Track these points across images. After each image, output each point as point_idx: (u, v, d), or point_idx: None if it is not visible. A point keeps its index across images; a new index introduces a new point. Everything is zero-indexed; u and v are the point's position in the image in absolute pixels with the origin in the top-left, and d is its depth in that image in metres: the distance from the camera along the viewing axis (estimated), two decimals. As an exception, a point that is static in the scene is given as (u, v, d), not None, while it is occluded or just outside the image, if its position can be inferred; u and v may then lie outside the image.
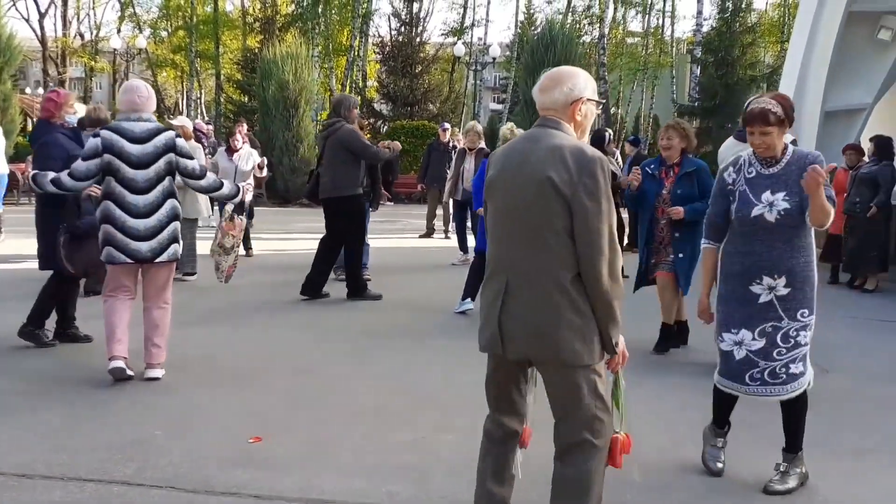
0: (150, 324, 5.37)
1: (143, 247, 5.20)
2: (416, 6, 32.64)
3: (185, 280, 8.93)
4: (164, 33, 43.04)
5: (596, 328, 2.79)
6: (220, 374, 5.52)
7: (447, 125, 15.03)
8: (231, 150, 10.95)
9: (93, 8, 47.56)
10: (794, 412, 3.83)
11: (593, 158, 2.73)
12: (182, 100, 47.29)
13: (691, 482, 3.89)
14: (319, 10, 33.79)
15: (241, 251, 7.31)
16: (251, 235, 11.40)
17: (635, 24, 43.22)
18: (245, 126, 12.66)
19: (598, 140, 10.08)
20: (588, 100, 2.91)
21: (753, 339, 3.74)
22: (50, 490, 3.62)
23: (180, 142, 5.33)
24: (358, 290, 8.23)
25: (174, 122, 9.93)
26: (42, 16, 43.35)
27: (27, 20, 44.00)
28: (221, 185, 5.58)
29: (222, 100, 36.69)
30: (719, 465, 3.95)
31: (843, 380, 5.78)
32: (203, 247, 8.39)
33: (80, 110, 7.73)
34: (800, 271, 3.68)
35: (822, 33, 12.50)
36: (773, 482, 3.76)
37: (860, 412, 5.10)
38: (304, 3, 34.08)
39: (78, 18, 47.19)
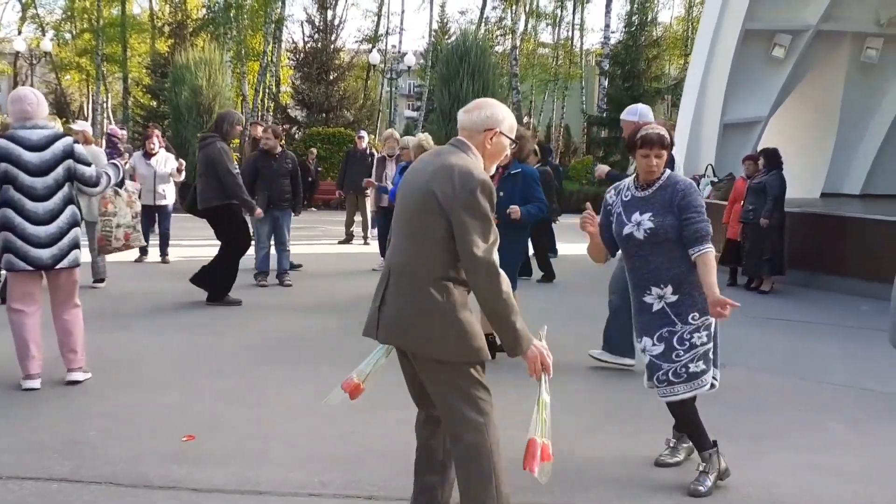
0: (64, 330, 5.36)
1: (44, 254, 5.17)
2: (329, 13, 32.75)
3: (97, 287, 8.91)
4: (67, 35, 41.88)
5: (463, 329, 2.97)
6: (147, 377, 5.61)
7: (363, 133, 15.23)
8: (148, 155, 10.96)
9: (-8, 8, 46.01)
10: (685, 411, 4.07)
11: (478, 180, 2.94)
12: (87, 104, 46.05)
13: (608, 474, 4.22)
14: (232, 14, 33.50)
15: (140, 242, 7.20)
16: (169, 242, 11.41)
17: (546, 36, 44.25)
18: (159, 131, 12.72)
19: (544, 151, 10.43)
20: (501, 133, 3.13)
21: (654, 344, 4.05)
22: (-12, 488, 3.71)
23: (78, 148, 5.29)
24: (215, 296, 8.29)
25: (75, 126, 9.79)
26: (-63, 15, 41.71)
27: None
28: (109, 180, 5.51)
29: (130, 104, 36.00)
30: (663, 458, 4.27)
31: (739, 372, 6.21)
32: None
33: None
34: (684, 279, 3.96)
35: (720, 49, 13.23)
36: (664, 455, 4.25)
37: (755, 400, 5.53)
38: (216, 8, 33.74)
39: (-24, 19, 45.55)
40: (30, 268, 5.16)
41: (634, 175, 4.18)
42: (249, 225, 8.85)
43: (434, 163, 3.06)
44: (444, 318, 2.96)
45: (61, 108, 41.52)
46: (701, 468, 4.00)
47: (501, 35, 39.85)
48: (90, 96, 43.60)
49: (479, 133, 3.11)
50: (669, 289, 3.98)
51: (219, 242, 8.38)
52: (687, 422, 4.10)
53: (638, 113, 6.33)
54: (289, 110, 32.56)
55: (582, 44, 43.37)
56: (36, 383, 5.20)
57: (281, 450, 4.27)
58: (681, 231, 3.95)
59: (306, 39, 33.11)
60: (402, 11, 38.75)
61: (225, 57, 29.04)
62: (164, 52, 33.20)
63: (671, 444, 4.30)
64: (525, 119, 41.09)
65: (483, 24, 38.57)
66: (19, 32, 41.48)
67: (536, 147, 11.23)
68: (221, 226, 8.33)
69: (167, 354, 6.28)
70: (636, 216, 4.03)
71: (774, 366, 6.51)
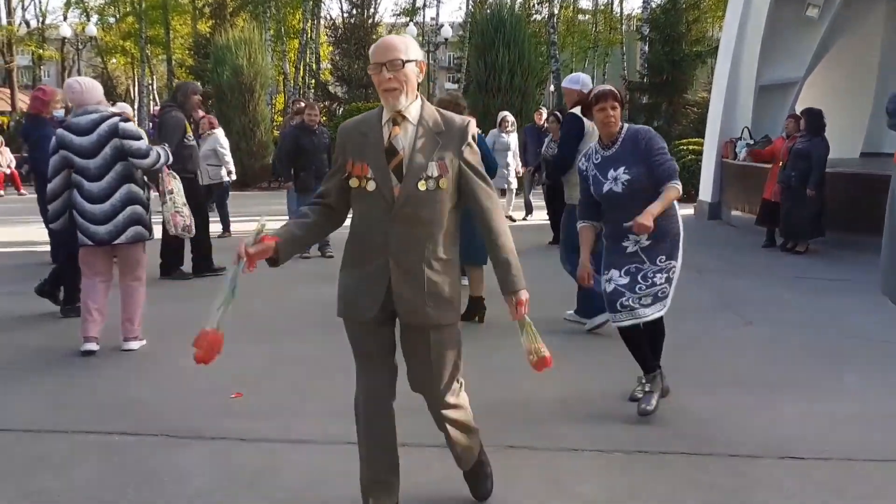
0: (123, 301, 5.84)
1: (101, 230, 5.59)
2: (366, -11, 32.85)
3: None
4: (111, 20, 42.59)
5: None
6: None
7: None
8: (201, 136, 11.55)
9: (38, -6, 46.96)
10: (655, 334, 4.59)
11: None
12: (133, 86, 46.88)
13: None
14: (270, -8, 33.80)
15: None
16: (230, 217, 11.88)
17: (586, 2, 43.84)
18: (201, 112, 13.19)
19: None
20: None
21: (620, 276, 4.42)
22: (57, 441, 4.09)
23: (124, 125, 5.65)
24: (167, 270, 8.57)
25: (113, 109, 10.26)
26: (-15, 4, 42.70)
27: (-30, 9, 43.16)
28: (159, 156, 5.86)
29: (174, 86, 36.59)
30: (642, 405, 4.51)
31: (763, 329, 6.41)
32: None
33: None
34: (658, 226, 4.24)
35: (753, 12, 13.16)
36: (641, 402, 4.47)
37: (774, 355, 5.72)
38: (255, -13, 34.05)
39: (23, 6, 46.51)
40: (90, 243, 5.60)
41: (598, 138, 4.53)
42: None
43: None
44: None
45: (108, 91, 42.26)
46: (647, 389, 4.51)
47: (539, 3, 39.56)
48: (136, 79, 44.38)
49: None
50: (644, 235, 4.30)
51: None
52: (635, 346, 4.56)
53: (580, 82, 6.64)
54: (329, 87, 32.85)
55: (622, 9, 42.93)
56: (92, 345, 5.64)
57: (320, 404, 4.59)
58: (650, 176, 4.29)
59: (344, 15, 33.31)
60: (440, -17, 38.67)
61: (265, 36, 29.42)
62: (206, 32, 33.67)
63: (642, 382, 4.64)
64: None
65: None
66: (65, 18, 42.37)
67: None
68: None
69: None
70: (611, 172, 4.38)
71: (799, 322, 6.67)
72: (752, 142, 12.88)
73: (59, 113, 6.61)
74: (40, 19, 46.50)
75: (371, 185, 2.90)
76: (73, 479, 3.67)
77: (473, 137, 2.98)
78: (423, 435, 3.61)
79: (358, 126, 3.00)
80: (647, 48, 31.61)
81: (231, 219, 11.99)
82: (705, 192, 14.27)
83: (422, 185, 2.87)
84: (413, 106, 2.93)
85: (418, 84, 2.95)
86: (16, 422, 4.34)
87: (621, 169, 4.35)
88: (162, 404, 4.64)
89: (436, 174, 2.88)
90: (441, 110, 3.00)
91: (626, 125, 4.48)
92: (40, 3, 57.19)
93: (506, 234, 2.99)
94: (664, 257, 4.42)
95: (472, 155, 2.97)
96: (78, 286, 6.61)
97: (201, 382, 5.03)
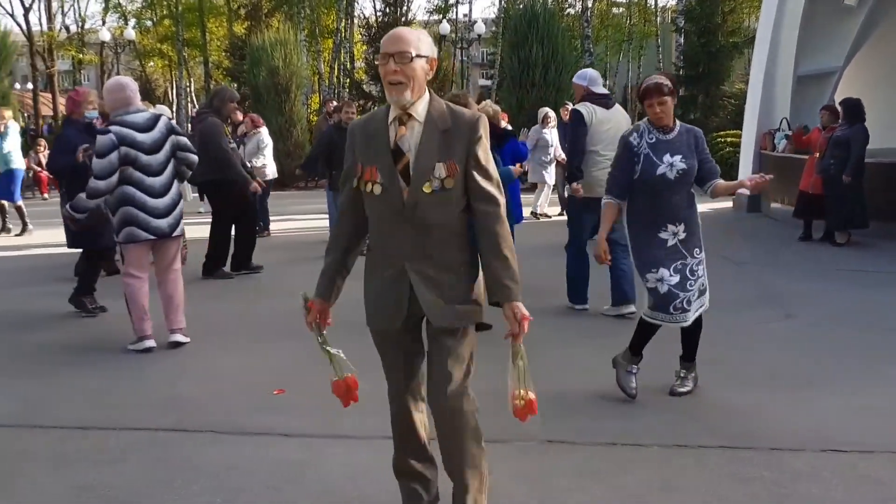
0: (167, 294, 5.93)
1: (164, 223, 5.77)
2: (399, -14, 32.94)
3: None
4: (148, 23, 43.17)
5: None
6: (240, 340, 6.09)
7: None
8: (243, 136, 11.77)
9: (77, 0, 47.73)
10: (695, 329, 4.68)
11: None
12: (171, 89, 47.48)
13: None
14: (304, -7, 34.02)
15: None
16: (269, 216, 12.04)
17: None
18: (239, 114, 13.42)
19: None
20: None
21: (671, 275, 4.46)
22: (105, 438, 4.20)
23: (173, 123, 5.95)
24: (210, 269, 8.60)
25: (152, 110, 10.49)
26: (27, 10, 43.38)
27: (12, 15, 44.09)
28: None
29: (212, 87, 36.98)
30: (633, 386, 4.63)
31: (801, 323, 6.36)
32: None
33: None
34: (692, 218, 4.52)
35: (790, 1, 12.99)
36: (675, 385, 4.70)
37: (812, 349, 5.66)
38: (289, -13, 34.29)
39: (63, 11, 47.27)
40: (153, 237, 5.74)
41: (647, 119, 4.55)
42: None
43: None
44: None
45: (147, 93, 42.84)
46: (682, 374, 4.73)
47: (572, -3, 39.37)
48: (174, 81, 44.96)
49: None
50: (682, 226, 4.45)
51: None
52: (694, 340, 4.72)
53: (587, 77, 6.78)
54: (363, 85, 33.00)
55: (656, 1, 42.57)
56: (153, 342, 5.78)
57: (363, 399, 4.63)
58: (695, 169, 4.47)
59: (377, 13, 33.45)
60: (472, -21, 38.60)
61: (300, 36, 29.64)
62: (242, 34, 34.01)
63: (681, 375, 4.74)
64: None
65: (554, -13, 38.24)
66: (103, 23, 42.99)
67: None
68: (214, 198, 8.70)
69: (258, 321, 6.73)
70: (667, 157, 4.42)
71: (840, 315, 6.60)
72: (790, 133, 12.74)
73: (93, 114, 6.75)
74: (80, 24, 47.33)
75: (378, 189, 2.82)
76: (121, 473, 3.76)
77: (485, 132, 2.84)
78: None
79: (365, 126, 2.91)
80: (682, 40, 31.35)
81: (273, 217, 12.08)
82: (744, 184, 14.12)
83: (427, 188, 2.77)
84: (420, 103, 2.80)
85: (430, 81, 2.85)
86: (65, 419, 4.45)
87: (678, 157, 4.43)
88: (206, 401, 4.73)
89: (444, 175, 2.77)
90: (451, 105, 2.89)
91: (681, 124, 4.57)
92: (80, 8, 58.42)
93: (505, 238, 2.83)
94: (698, 249, 4.54)
95: (482, 152, 2.81)
96: (93, 283, 6.79)
97: (244, 379, 5.13)
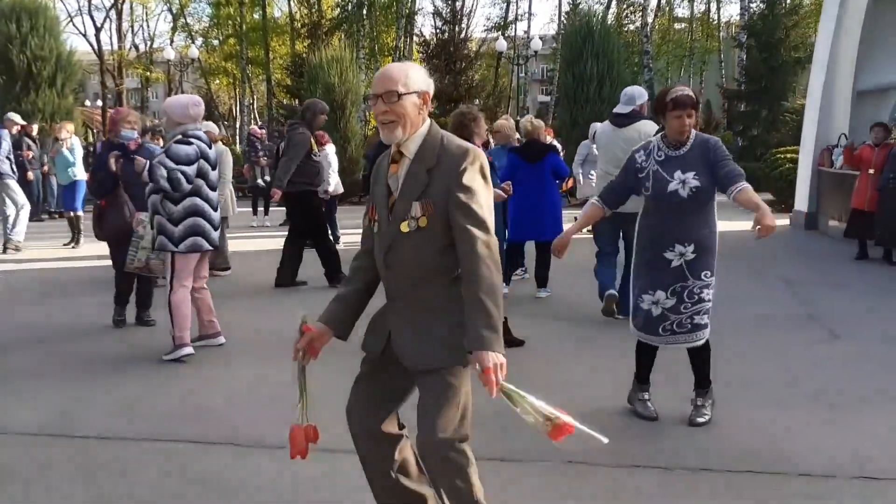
0: (204, 301, 6.20)
1: (216, 236, 6.08)
2: (458, 4, 33.15)
3: (220, 275, 9.50)
4: (215, 42, 44.23)
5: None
6: (271, 352, 6.11)
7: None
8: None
9: (146, 20, 49.18)
10: (701, 356, 4.50)
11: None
12: (235, 106, 48.48)
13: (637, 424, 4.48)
14: (364, 12, 34.47)
15: None
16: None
17: (683, 10, 43.08)
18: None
19: None
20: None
21: (667, 297, 4.32)
22: (125, 448, 4.23)
23: None
24: (335, 275, 8.63)
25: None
26: (98, 30, 44.82)
27: (84, 35, 45.47)
28: None
29: (273, 104, 37.64)
30: (652, 410, 4.56)
31: (851, 344, 6.13)
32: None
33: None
34: (704, 239, 4.28)
35: (849, 15, 12.68)
36: (692, 415, 4.48)
37: (860, 371, 5.46)
38: (349, 7, 34.79)
39: (132, 31, 48.73)
40: (211, 248, 6.06)
41: (661, 134, 4.42)
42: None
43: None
44: None
45: (210, 111, 43.92)
46: (698, 403, 4.50)
47: (632, 13, 39.13)
48: (237, 99, 45.91)
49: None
50: (692, 247, 4.25)
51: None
52: (701, 364, 4.51)
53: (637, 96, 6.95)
54: (421, 102, 33.21)
55: (719, 16, 42.06)
56: (192, 349, 5.95)
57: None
58: (713, 186, 4.25)
59: (435, 31, 33.69)
60: (531, -4, 38.69)
61: (359, 54, 30.01)
62: (302, 52, 34.58)
63: (697, 404, 4.54)
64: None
65: (615, 3, 38.09)
66: (171, 42, 44.18)
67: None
68: (295, 209, 8.80)
69: (286, 332, 6.73)
70: (678, 174, 4.25)
71: (886, 337, 6.36)
72: (849, 149, 12.38)
73: (130, 134, 6.79)
74: (148, 44, 48.71)
75: (376, 227, 2.81)
76: (134, 485, 3.78)
77: (474, 163, 2.67)
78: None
79: (381, 161, 2.87)
80: (744, 55, 30.88)
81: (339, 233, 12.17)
82: (801, 201, 13.79)
83: (404, 227, 2.68)
84: (412, 140, 2.72)
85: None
86: (90, 429, 4.50)
87: (690, 174, 4.25)
88: (229, 413, 4.74)
89: (419, 214, 2.67)
90: (448, 138, 2.75)
91: (694, 131, 4.37)
92: (149, 27, 60.26)
93: (483, 279, 2.59)
94: (708, 272, 4.33)
95: (464, 187, 2.63)
96: (126, 294, 6.96)
97: (269, 392, 5.13)
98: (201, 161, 5.88)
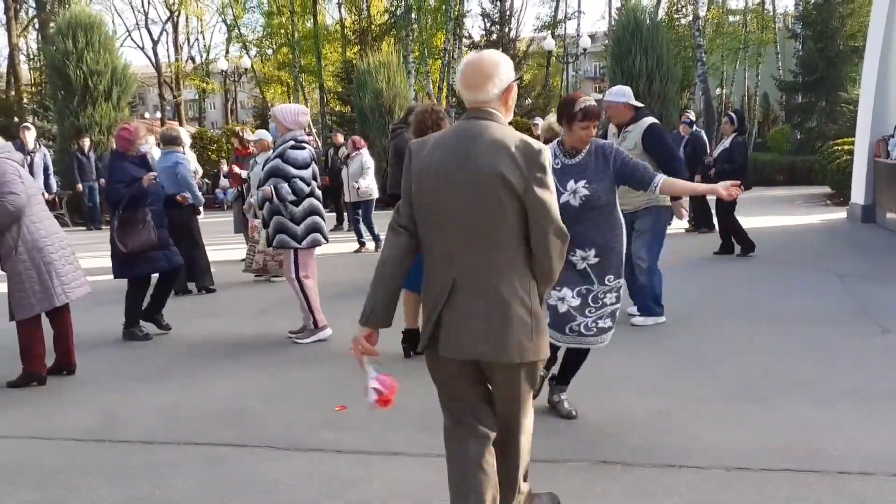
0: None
1: (327, 231, 6.73)
2: (506, 4, 33.12)
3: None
4: (269, 51, 44.82)
5: (542, 325, 2.81)
6: (312, 355, 6.20)
7: (538, 120, 15.54)
8: (346, 157, 12.43)
9: (201, 32, 50.14)
10: (580, 358, 4.58)
11: (539, 150, 2.70)
12: (289, 114, 48.94)
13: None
14: (413, 16, 34.60)
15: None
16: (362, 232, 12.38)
17: (737, 2, 42.31)
18: (340, 136, 14.15)
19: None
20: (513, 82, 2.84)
21: (573, 297, 4.29)
22: (166, 452, 4.33)
23: None
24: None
25: (252, 136, 10.94)
26: (155, 43, 45.91)
27: (142, 49, 46.63)
28: None
29: (406, 108, 37.86)
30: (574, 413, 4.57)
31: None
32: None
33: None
34: (606, 244, 4.27)
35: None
36: (569, 410, 4.56)
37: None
38: (398, 12, 34.97)
39: (188, 43, 49.70)
40: (326, 242, 6.70)
41: (558, 141, 4.44)
42: None
43: (476, 143, 2.71)
44: (531, 318, 2.76)
45: (265, 120, 44.50)
46: (556, 400, 4.62)
47: (684, 6, 38.52)
48: (291, 107, 46.36)
49: (499, 98, 2.80)
50: (592, 251, 4.26)
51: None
52: (574, 366, 4.60)
53: (625, 94, 6.56)
54: (471, 103, 33.25)
55: (774, 7, 41.15)
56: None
57: (415, 416, 4.64)
58: (610, 192, 4.30)
59: (483, 32, 33.72)
60: (580, -6, 38.42)
61: (409, 57, 30.17)
62: (353, 59, 34.87)
63: (554, 401, 4.65)
64: (717, 90, 39.65)
65: (665, -2, 37.64)
66: (227, 53, 44.95)
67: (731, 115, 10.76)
68: None
69: (334, 335, 6.80)
70: (571, 184, 4.27)
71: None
72: (903, 138, 12.05)
73: (145, 148, 7.04)
74: (204, 55, 49.64)
75: None
76: (174, 488, 3.87)
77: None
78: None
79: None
80: (799, 46, 30.25)
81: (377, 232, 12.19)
82: (857, 193, 13.43)
83: None
84: None
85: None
86: (133, 433, 4.62)
87: (582, 182, 4.28)
88: (268, 415, 4.82)
89: None
90: None
91: (592, 140, 4.39)
92: (204, 39, 61.53)
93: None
94: (612, 276, 4.33)
95: None
96: (138, 311, 7.03)
97: (308, 394, 5.21)
98: (312, 165, 6.45)
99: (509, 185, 2.65)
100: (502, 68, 2.80)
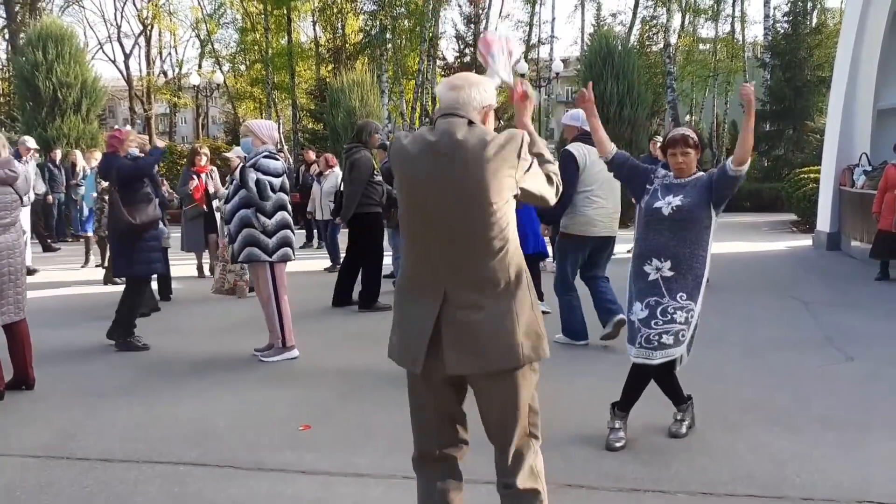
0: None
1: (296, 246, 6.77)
2: (480, 27, 33.32)
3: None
4: (242, 67, 44.65)
5: (538, 323, 2.76)
6: (277, 374, 6.12)
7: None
8: (318, 174, 12.39)
9: (174, 47, 49.85)
10: (665, 381, 4.53)
11: (512, 136, 2.66)
12: (261, 130, 48.71)
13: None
14: (387, 36, 34.72)
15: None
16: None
17: (707, 31, 42.90)
18: (312, 154, 14.09)
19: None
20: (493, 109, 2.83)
21: (642, 308, 4.33)
22: (127, 471, 4.24)
23: None
24: (369, 301, 8.68)
25: (230, 154, 10.77)
26: (127, 57, 45.52)
27: (114, 62, 46.25)
28: None
29: (357, 126, 37.79)
30: (618, 445, 4.42)
31: (865, 366, 6.03)
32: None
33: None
34: (683, 259, 4.27)
35: (868, 34, 12.58)
36: (671, 427, 4.58)
37: (874, 393, 5.36)
38: (373, 31, 35.08)
39: (161, 57, 49.40)
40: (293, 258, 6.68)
41: (663, 163, 4.61)
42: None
43: (456, 146, 2.64)
44: (531, 317, 2.75)
45: (237, 135, 44.28)
46: (678, 417, 4.58)
47: (655, 35, 39.07)
48: (263, 123, 46.15)
49: (474, 111, 2.74)
50: (668, 263, 4.28)
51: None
52: (669, 387, 4.57)
53: (580, 118, 6.59)
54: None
55: (744, 37, 41.82)
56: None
57: (382, 439, 4.59)
58: (703, 209, 4.32)
59: (457, 54, 33.88)
60: (553, 19, 38.78)
61: (383, 77, 30.20)
62: (326, 77, 34.86)
63: (677, 418, 4.61)
64: (687, 117, 40.14)
65: (637, 25, 38.12)
66: (199, 68, 44.72)
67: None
68: (363, 231, 8.72)
69: (301, 354, 6.74)
70: (670, 197, 4.36)
71: (905, 358, 6.24)
72: (870, 168, 12.24)
73: (134, 151, 7.11)
74: (176, 70, 49.34)
75: None
76: (132, 507, 3.79)
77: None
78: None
79: None
80: (768, 75, 30.72)
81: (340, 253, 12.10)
82: (823, 221, 13.63)
83: None
84: None
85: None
86: (92, 451, 4.51)
87: (679, 196, 4.37)
88: (232, 435, 4.74)
89: None
90: None
91: (701, 172, 4.47)
92: (177, 54, 61.09)
93: None
94: (685, 295, 4.31)
95: None
96: (134, 318, 6.99)
97: (274, 414, 5.13)
98: (283, 177, 6.46)
99: (491, 185, 2.61)
100: (487, 85, 2.82)
